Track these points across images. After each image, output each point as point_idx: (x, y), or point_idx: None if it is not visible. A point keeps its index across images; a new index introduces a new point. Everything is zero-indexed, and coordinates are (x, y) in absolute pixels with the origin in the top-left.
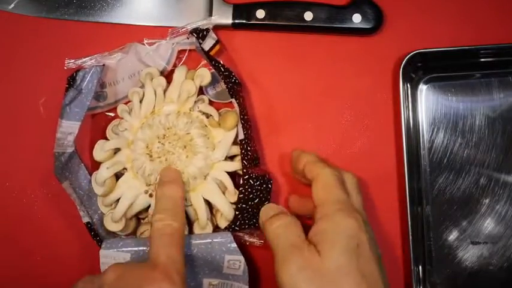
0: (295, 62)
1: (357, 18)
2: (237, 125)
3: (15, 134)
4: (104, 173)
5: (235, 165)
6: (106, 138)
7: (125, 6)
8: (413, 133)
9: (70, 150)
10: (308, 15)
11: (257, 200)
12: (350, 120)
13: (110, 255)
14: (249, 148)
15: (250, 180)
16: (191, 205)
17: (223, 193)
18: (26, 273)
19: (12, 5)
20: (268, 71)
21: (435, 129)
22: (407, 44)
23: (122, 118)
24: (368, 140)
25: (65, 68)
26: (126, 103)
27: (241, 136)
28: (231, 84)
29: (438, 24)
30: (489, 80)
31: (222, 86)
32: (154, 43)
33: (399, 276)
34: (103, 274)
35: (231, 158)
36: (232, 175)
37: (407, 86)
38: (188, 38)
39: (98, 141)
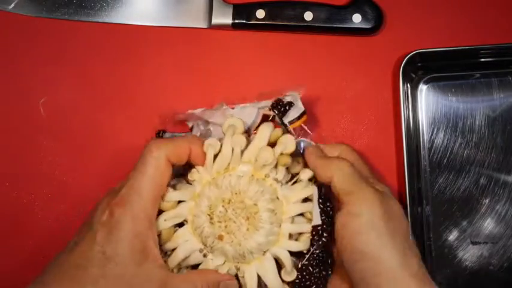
0: (295, 62)
1: (357, 18)
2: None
3: (15, 134)
4: (161, 224)
5: (301, 246)
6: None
7: (125, 6)
8: (413, 133)
9: None
10: (308, 15)
11: (314, 286)
12: (350, 120)
13: None
14: (325, 234)
15: (310, 267)
16: (243, 277)
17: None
18: (26, 273)
19: (12, 5)
20: (268, 71)
21: (435, 129)
22: (407, 44)
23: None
24: (368, 140)
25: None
26: None
27: (317, 221)
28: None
29: (438, 25)
30: (489, 80)
31: None
32: (237, 106)
33: None
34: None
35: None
36: None
37: (407, 86)
38: (269, 110)
39: (167, 188)
